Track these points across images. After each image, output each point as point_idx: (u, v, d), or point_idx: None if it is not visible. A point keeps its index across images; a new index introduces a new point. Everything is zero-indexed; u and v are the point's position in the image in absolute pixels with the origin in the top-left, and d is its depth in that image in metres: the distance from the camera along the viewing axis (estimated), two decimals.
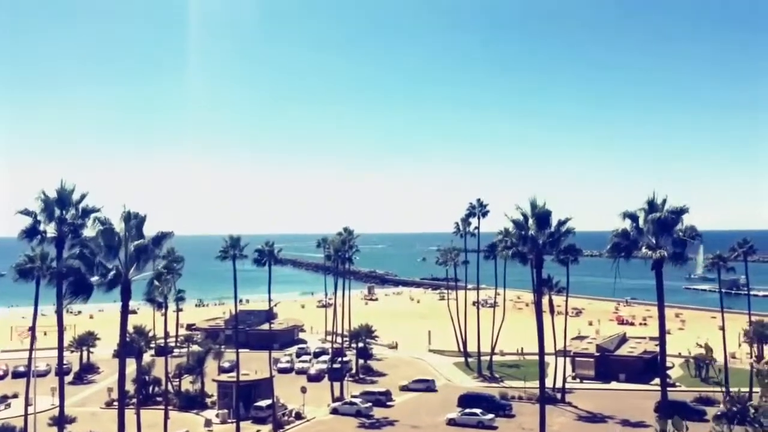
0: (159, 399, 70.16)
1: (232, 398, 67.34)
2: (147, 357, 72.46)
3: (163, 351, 73.96)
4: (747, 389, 63.93)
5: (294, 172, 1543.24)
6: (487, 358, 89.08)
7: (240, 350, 70.92)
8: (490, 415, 63.37)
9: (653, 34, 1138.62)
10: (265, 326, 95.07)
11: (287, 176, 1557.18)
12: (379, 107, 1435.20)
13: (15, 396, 73.62)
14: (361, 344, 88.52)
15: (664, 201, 43.00)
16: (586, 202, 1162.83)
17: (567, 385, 75.18)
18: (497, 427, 62.76)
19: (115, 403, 57.55)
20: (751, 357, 72.91)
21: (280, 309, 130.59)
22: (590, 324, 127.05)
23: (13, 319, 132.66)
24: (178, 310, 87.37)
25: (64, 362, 57.76)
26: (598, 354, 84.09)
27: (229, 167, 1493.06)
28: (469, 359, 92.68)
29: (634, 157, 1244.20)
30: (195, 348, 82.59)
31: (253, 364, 76.36)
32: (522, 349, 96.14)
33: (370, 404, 68.75)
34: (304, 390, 70.15)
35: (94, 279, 34.67)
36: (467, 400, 67.67)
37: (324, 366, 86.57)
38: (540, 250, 49.02)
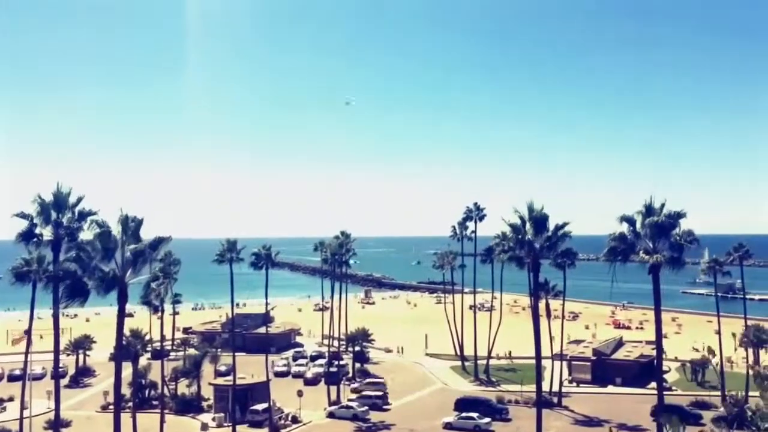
0: (155, 403, 70.04)
1: (229, 402, 67.18)
2: (143, 360, 72.26)
3: (160, 354, 73.94)
4: (743, 393, 64.25)
5: (292, 176, 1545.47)
6: (484, 361, 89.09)
7: (237, 354, 71.01)
8: (487, 419, 63.38)
9: (652, 38, 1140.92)
10: (262, 330, 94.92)
11: (285, 180, 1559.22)
12: (377, 110, 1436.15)
13: (11, 399, 73.41)
14: (357, 348, 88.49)
15: (662, 205, 43.14)
16: (584, 205, 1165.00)
17: (563, 389, 75.15)
18: (494, 431, 62.74)
19: (111, 407, 57.32)
20: (747, 361, 72.98)
21: (277, 312, 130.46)
22: (587, 328, 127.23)
23: (10, 323, 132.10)
24: (175, 313, 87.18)
25: (60, 365, 57.82)
26: (594, 358, 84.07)
27: (226, 170, 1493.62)
28: (466, 363, 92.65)
29: (634, 160, 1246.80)
30: (191, 351, 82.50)
31: (250, 368, 76.20)
32: (510, 352, 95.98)
33: (366, 408, 68.68)
34: (300, 393, 70.06)
35: (91, 282, 34.62)
36: (464, 404, 67.60)
37: (321, 369, 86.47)
38: (537, 254, 49.07)
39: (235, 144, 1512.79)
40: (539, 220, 47.91)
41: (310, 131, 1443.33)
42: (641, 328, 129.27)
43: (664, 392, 51.82)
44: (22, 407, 56.21)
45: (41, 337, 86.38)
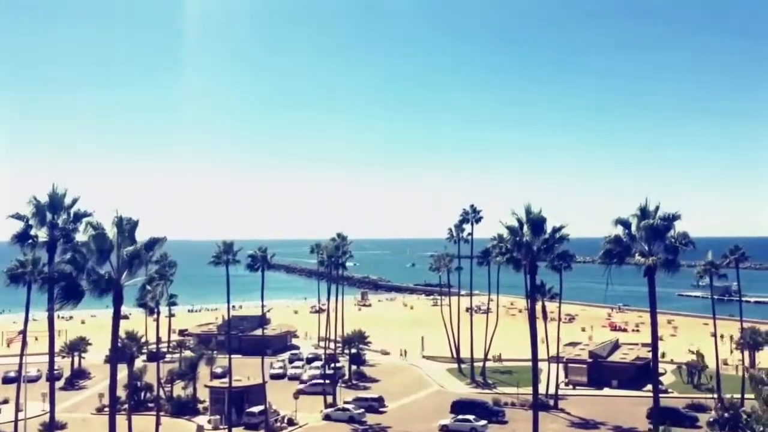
0: (151, 405, 69.83)
1: (225, 404, 67.05)
2: (139, 362, 71.95)
3: (155, 356, 73.75)
4: (739, 395, 64.25)
5: (289, 178, 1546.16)
6: (480, 364, 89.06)
7: (232, 356, 70.86)
8: (483, 422, 63.35)
9: (652, 39, 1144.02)
10: (258, 332, 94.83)
11: (282, 182, 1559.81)
12: (375, 112, 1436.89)
13: (5, 402, 73.15)
14: (354, 350, 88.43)
15: (657, 208, 43.18)
16: (583, 208, 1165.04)
17: (560, 392, 75.18)
18: None
19: (106, 409, 57.14)
20: (743, 363, 73.06)
21: (273, 314, 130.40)
22: (583, 330, 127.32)
23: (4, 325, 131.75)
24: (171, 315, 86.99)
25: (55, 368, 57.56)
26: (590, 360, 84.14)
27: (223, 172, 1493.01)
28: (463, 365, 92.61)
29: (632, 162, 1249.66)
30: (187, 353, 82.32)
31: (246, 370, 76.08)
32: (500, 355, 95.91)
33: (362, 410, 68.62)
34: (296, 396, 69.96)
35: (86, 284, 34.49)
36: (460, 407, 67.59)
37: (317, 372, 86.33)
38: (534, 256, 49.09)
39: (232, 146, 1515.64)
40: (536, 223, 47.95)
41: (308, 133, 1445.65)
42: (637, 330, 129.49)
43: (660, 395, 51.80)
44: (17, 409, 56.00)
45: (36, 339, 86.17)
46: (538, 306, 71.20)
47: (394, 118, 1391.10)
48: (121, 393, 61.07)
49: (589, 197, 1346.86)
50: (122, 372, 57.68)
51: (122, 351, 56.90)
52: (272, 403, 68.38)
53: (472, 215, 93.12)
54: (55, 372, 59.42)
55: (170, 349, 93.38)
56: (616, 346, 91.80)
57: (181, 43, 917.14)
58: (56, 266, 39.30)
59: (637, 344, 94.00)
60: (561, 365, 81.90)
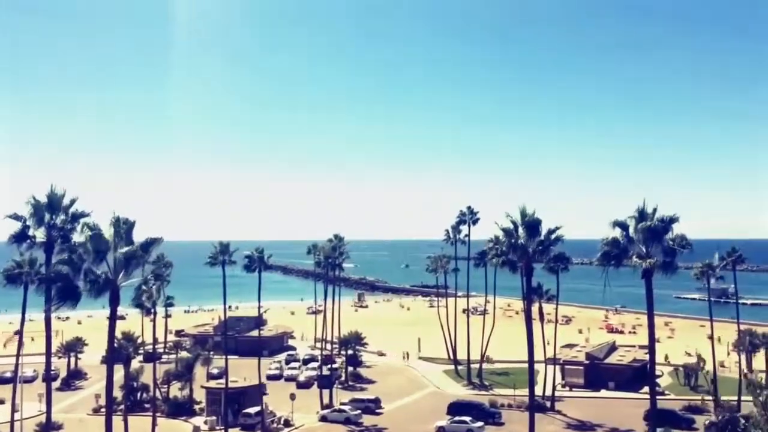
0: (147, 405, 69.78)
1: (221, 405, 66.98)
2: (135, 363, 72.01)
3: (152, 357, 73.57)
4: (736, 398, 64.41)
5: (287, 179, 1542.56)
6: (477, 365, 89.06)
7: (229, 357, 70.76)
8: (480, 423, 63.34)
9: (652, 41, 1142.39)
10: (255, 333, 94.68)
11: (280, 182, 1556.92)
12: (374, 113, 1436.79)
13: (1, 402, 73.03)
14: (350, 351, 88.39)
15: (654, 210, 43.18)
16: (581, 209, 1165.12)
17: (556, 393, 75.22)
18: None
19: (103, 410, 57.01)
20: (740, 366, 73.15)
21: (270, 315, 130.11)
22: (580, 332, 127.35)
23: (1, 325, 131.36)
24: (167, 316, 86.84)
25: (52, 368, 57.53)
26: (587, 362, 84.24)
27: (221, 173, 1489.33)
28: (459, 367, 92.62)
29: (631, 162, 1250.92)
30: (184, 354, 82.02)
31: (243, 371, 76.00)
32: (489, 356, 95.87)
33: (359, 411, 68.60)
34: (293, 397, 69.92)
35: (83, 285, 34.46)
36: (457, 408, 67.59)
37: (313, 373, 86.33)
38: (530, 258, 49.14)
39: (230, 146, 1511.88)
40: (532, 225, 48.01)
41: (306, 133, 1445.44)
42: (634, 332, 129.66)
43: (657, 397, 51.81)
44: (13, 410, 55.77)
45: (32, 340, 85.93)
46: (535, 308, 71.25)
47: (393, 119, 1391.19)
48: (118, 394, 61.09)
49: (588, 197, 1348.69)
50: (119, 373, 57.75)
51: (119, 352, 56.88)
52: (269, 404, 68.29)
53: (469, 216, 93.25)
54: (52, 372, 59.32)
55: (167, 350, 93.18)
56: (613, 347, 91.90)
57: (180, 43, 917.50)
58: (53, 267, 39.26)
59: (634, 346, 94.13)
60: (558, 367, 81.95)
